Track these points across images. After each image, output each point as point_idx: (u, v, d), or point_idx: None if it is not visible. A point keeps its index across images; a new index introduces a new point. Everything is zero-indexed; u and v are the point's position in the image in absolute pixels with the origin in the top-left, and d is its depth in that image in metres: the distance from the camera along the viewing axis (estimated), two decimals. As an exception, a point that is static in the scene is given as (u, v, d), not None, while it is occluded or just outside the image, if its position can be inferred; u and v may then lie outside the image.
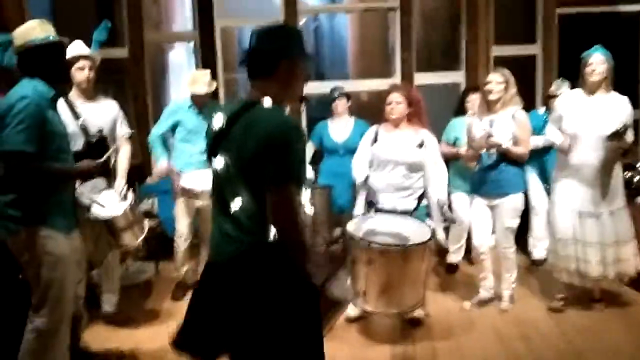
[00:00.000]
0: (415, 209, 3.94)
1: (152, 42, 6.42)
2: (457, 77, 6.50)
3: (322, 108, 5.66)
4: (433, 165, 3.94)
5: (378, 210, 3.93)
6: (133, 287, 5.11)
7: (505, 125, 4.02)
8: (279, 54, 2.16)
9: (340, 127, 5.20)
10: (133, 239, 3.95)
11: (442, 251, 5.56)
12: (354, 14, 6.96)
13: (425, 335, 3.91)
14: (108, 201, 3.87)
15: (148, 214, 5.61)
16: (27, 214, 2.79)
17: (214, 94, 5.14)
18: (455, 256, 5.17)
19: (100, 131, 3.21)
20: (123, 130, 4.13)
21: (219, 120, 2.21)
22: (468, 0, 6.40)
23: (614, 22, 6.61)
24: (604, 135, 3.81)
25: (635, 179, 5.13)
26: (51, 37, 2.89)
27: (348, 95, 5.29)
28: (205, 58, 6.20)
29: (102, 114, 3.99)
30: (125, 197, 3.92)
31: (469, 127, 4.20)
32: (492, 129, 4.02)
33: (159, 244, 5.66)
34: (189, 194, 4.45)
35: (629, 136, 3.88)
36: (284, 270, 2.06)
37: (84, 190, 3.86)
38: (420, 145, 3.90)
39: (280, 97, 2.18)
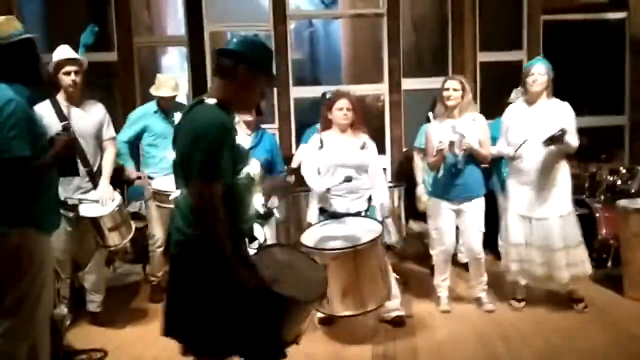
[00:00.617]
0: (367, 210, 4.01)
1: (142, 46, 6.46)
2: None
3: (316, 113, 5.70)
4: (374, 168, 4.06)
5: (331, 215, 3.96)
6: (120, 289, 5.16)
7: (468, 129, 4.11)
8: (239, 60, 2.29)
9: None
10: (120, 239, 4.01)
11: (425, 255, 5.63)
12: (347, 20, 7.04)
13: (406, 334, 3.95)
14: (94, 202, 3.92)
15: (136, 216, 5.65)
16: (15, 216, 2.68)
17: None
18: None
19: (64, 130, 3.13)
20: (108, 133, 4.18)
21: (178, 119, 2.39)
22: (455, 7, 6.51)
23: (599, 28, 6.71)
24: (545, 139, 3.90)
25: (618, 183, 5.23)
26: (20, 34, 2.70)
27: None
28: (195, 62, 6.27)
29: (88, 117, 4.04)
30: (112, 198, 3.96)
31: (428, 133, 4.29)
32: (458, 132, 4.08)
33: (146, 247, 5.69)
34: (161, 198, 4.47)
35: (572, 140, 3.96)
36: (212, 261, 2.20)
37: (70, 191, 3.93)
38: (363, 147, 4.01)
39: (231, 101, 2.33)
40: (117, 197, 3.99)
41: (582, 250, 4.13)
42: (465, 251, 4.37)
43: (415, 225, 5.76)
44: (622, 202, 4.59)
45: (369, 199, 4.03)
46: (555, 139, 3.83)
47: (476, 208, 4.18)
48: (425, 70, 6.85)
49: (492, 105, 5.33)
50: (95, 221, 3.85)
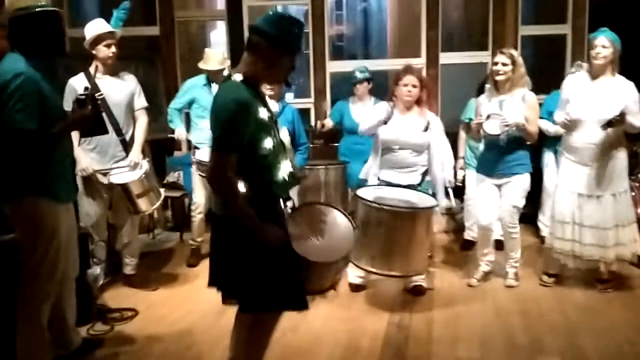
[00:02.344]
0: (419, 184, 4.04)
1: (183, 21, 6.62)
2: (484, 57, 6.46)
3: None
4: (439, 147, 4.06)
5: (385, 183, 4.04)
6: (156, 254, 5.40)
7: (515, 106, 4.05)
8: (265, 37, 2.39)
9: (360, 109, 5.30)
10: (149, 205, 4.19)
11: (458, 229, 5.65)
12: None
13: (424, 305, 4.02)
14: (124, 169, 4.11)
15: (174, 185, 5.90)
16: (29, 184, 2.77)
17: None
18: (471, 232, 5.21)
19: (87, 88, 3.20)
20: (140, 102, 4.34)
21: None
22: (496, -20, 6.35)
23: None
24: (604, 119, 3.79)
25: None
26: (44, 5, 2.76)
27: (369, 78, 5.37)
28: (234, 37, 6.38)
29: (121, 87, 4.21)
30: (140, 166, 4.15)
31: (477, 106, 4.26)
32: (502, 110, 4.04)
33: (184, 215, 5.93)
34: (203, 168, 4.65)
35: (636, 120, 3.82)
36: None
37: (106, 159, 4.14)
38: (426, 129, 4.01)
39: (258, 77, 2.46)
40: (145, 165, 4.16)
41: (633, 230, 4.05)
42: (500, 225, 4.35)
43: (445, 201, 5.75)
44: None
45: (424, 173, 4.07)
46: (615, 123, 3.72)
47: (516, 184, 4.14)
48: (465, 44, 6.77)
49: (534, 81, 5.24)
50: (124, 187, 4.03)
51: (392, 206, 3.57)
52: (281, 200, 2.60)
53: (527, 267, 4.56)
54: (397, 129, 4.02)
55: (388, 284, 4.24)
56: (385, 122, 3.98)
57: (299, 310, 2.55)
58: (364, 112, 5.23)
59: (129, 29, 6.21)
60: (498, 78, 4.07)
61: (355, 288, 4.21)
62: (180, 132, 4.99)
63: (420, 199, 3.77)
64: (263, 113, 2.43)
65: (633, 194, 4.87)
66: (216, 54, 4.97)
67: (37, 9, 2.74)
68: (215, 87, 4.83)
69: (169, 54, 6.42)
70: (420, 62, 6.52)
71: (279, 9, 6.58)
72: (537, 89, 4.38)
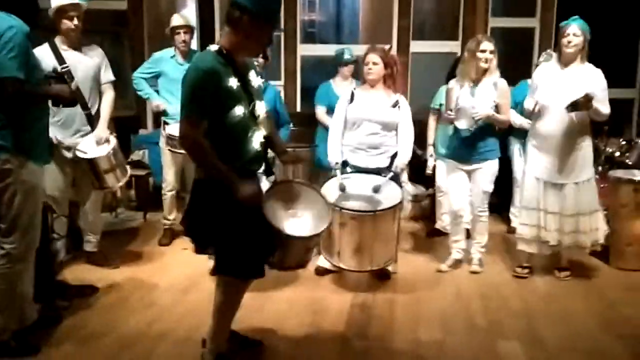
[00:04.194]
0: (388, 167, 4.03)
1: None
2: (453, 46, 6.51)
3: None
4: (403, 128, 4.06)
5: (352, 168, 4.02)
6: (119, 233, 5.32)
7: (486, 93, 4.10)
8: (243, 11, 2.46)
9: (345, 90, 5.26)
10: (115, 182, 4.12)
11: (423, 216, 5.71)
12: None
13: (388, 288, 4.05)
14: (91, 144, 4.02)
15: (139, 164, 5.81)
16: (6, 142, 2.83)
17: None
18: (440, 222, 5.23)
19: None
20: (107, 76, 4.25)
21: None
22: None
23: (615, -1, 6.57)
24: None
25: (617, 154, 5.22)
26: None
27: (355, 60, 5.36)
28: (203, 14, 6.29)
29: (87, 60, 4.11)
30: (107, 141, 4.06)
31: (449, 90, 4.28)
32: (474, 98, 4.09)
33: (149, 194, 5.85)
34: (174, 143, 4.58)
35: (602, 107, 3.89)
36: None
37: (69, 133, 4.04)
38: (395, 106, 4.01)
39: (235, 49, 2.54)
40: (113, 140, 4.08)
41: (595, 219, 4.13)
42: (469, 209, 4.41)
43: (412, 188, 5.81)
44: (615, 173, 4.59)
45: (393, 156, 4.06)
46: (579, 105, 3.75)
47: (486, 170, 4.20)
48: (436, 34, 6.80)
49: (503, 72, 5.30)
50: (91, 162, 3.95)
51: (352, 210, 3.59)
52: (262, 176, 2.69)
53: (491, 255, 4.64)
54: (363, 106, 4.03)
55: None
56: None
57: (256, 277, 2.70)
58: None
59: (95, 2, 6.08)
60: (484, 65, 4.08)
61: (323, 272, 4.20)
62: (158, 102, 4.81)
63: (387, 193, 3.74)
64: (232, 82, 2.50)
65: (602, 185, 5.03)
66: (182, 15, 4.91)
67: None
68: (181, 60, 4.78)
69: (136, 29, 6.30)
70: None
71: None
72: (505, 79, 4.40)
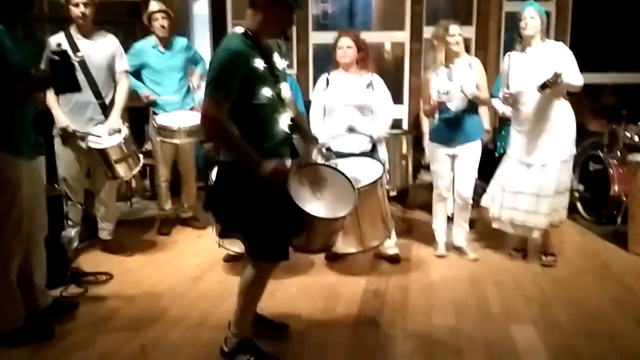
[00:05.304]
0: (372, 150, 4.01)
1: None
2: (468, 32, 6.42)
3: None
4: (380, 106, 4.04)
5: (336, 154, 3.94)
6: (134, 222, 5.36)
7: (464, 73, 4.12)
8: None
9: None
10: (128, 171, 4.13)
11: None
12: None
13: (400, 274, 4.03)
14: (103, 133, 4.04)
15: (152, 154, 5.81)
16: None
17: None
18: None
19: (59, 45, 3.21)
20: (121, 65, 4.25)
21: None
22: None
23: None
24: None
25: (636, 139, 5.13)
26: None
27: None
28: (216, 7, 6.28)
29: (101, 49, 4.13)
30: (119, 131, 4.08)
31: (426, 82, 4.26)
32: (452, 81, 4.11)
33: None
34: (165, 133, 4.59)
35: (574, 79, 3.85)
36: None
37: (83, 122, 4.06)
38: (368, 86, 4.01)
39: (258, 30, 2.57)
40: (124, 130, 4.09)
41: (565, 197, 4.12)
42: (455, 195, 4.37)
43: (427, 176, 5.77)
44: (635, 157, 4.51)
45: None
46: (550, 84, 3.73)
47: (471, 153, 4.19)
48: (449, 19, 6.69)
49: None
50: (102, 153, 3.97)
51: None
52: (287, 159, 2.68)
53: (498, 240, 4.60)
54: (338, 91, 4.02)
55: (364, 254, 4.22)
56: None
57: (282, 260, 2.69)
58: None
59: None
60: (456, 48, 4.14)
61: (333, 257, 4.18)
62: (147, 93, 4.72)
63: (367, 172, 3.66)
64: (259, 63, 2.51)
65: (611, 171, 4.98)
66: (158, 2, 4.79)
67: None
68: (162, 49, 4.74)
69: (149, 20, 6.27)
70: (403, 35, 6.51)
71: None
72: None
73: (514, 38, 4.13)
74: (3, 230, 2.87)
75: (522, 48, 4.04)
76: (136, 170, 4.22)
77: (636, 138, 5.17)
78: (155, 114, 4.76)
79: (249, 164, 2.49)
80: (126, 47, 4.67)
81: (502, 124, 5.12)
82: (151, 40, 4.80)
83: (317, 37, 6.54)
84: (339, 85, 4.04)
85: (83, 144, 4.04)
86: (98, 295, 3.62)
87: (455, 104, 4.11)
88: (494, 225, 4.29)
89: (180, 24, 6.32)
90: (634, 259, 4.34)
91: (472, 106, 4.16)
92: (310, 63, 6.56)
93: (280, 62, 2.71)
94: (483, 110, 4.83)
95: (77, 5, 3.93)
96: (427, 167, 5.44)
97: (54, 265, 3.40)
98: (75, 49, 3.98)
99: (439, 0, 6.81)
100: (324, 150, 3.92)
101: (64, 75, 2.90)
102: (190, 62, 4.96)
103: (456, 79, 4.10)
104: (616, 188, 4.93)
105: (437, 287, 3.82)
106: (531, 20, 3.94)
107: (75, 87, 3.02)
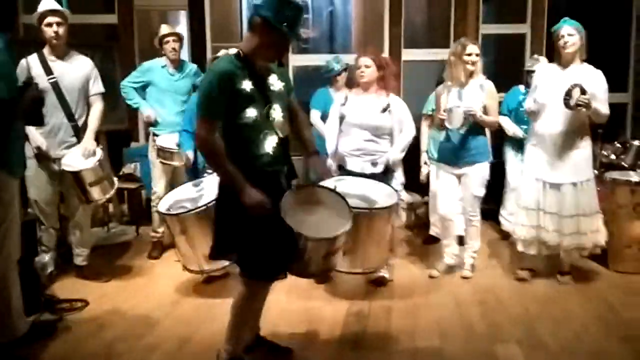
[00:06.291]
0: (384, 173, 3.99)
1: (143, 9, 6.45)
2: (445, 54, 6.46)
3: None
4: (398, 130, 4.02)
5: (347, 173, 3.96)
6: (110, 247, 5.24)
7: (474, 95, 4.09)
8: (263, 17, 2.53)
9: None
10: (101, 194, 4.04)
11: (420, 224, 5.64)
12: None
13: (384, 295, 3.98)
14: (77, 156, 3.96)
15: (131, 177, 5.75)
16: None
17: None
18: (435, 228, 5.15)
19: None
20: (95, 88, 4.19)
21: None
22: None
23: (605, 4, 6.57)
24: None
25: (612, 157, 5.18)
26: None
27: (346, 67, 5.35)
28: (195, 28, 6.27)
29: (75, 70, 4.07)
30: (94, 153, 4.00)
31: (437, 94, 4.26)
32: (461, 101, 4.08)
33: (141, 208, 5.78)
34: (165, 155, 4.54)
35: (601, 107, 3.87)
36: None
37: (55, 145, 3.98)
38: (385, 110, 3.96)
39: (253, 53, 2.61)
40: (99, 152, 4.01)
41: (595, 220, 4.07)
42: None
43: (407, 196, 5.75)
44: (611, 174, 4.56)
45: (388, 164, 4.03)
46: (575, 100, 3.71)
47: (477, 173, 4.17)
48: (427, 43, 6.79)
49: (494, 79, 5.28)
50: (75, 175, 3.88)
51: (353, 207, 3.48)
52: (282, 177, 2.74)
53: (489, 260, 4.61)
54: (354, 112, 4.00)
55: (348, 275, 4.17)
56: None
57: (275, 280, 2.76)
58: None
59: (86, 17, 6.13)
60: (472, 68, 4.09)
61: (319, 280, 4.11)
62: (149, 112, 4.72)
63: (381, 195, 3.67)
64: (246, 84, 2.56)
65: (598, 189, 5.00)
66: (170, 26, 4.90)
67: None
68: (172, 70, 4.76)
69: (127, 44, 6.24)
70: (383, 58, 6.54)
71: (244, 2, 6.47)
72: (497, 85, 4.42)
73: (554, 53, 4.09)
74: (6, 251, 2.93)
75: (561, 65, 3.99)
76: (111, 193, 4.13)
77: (612, 156, 5.21)
78: (155, 134, 4.73)
79: (234, 187, 2.54)
80: (104, 71, 4.64)
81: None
82: (161, 60, 4.83)
83: (297, 60, 6.55)
84: (355, 106, 4.01)
85: (56, 166, 3.95)
86: (73, 323, 3.50)
87: (455, 124, 4.07)
88: (520, 248, 4.20)
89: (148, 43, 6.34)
90: (615, 276, 4.34)
91: (478, 127, 4.13)
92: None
93: (276, 84, 2.72)
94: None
95: (50, 25, 3.88)
96: (414, 187, 5.46)
97: (27, 292, 3.28)
98: (48, 71, 3.93)
99: (417, 23, 6.87)
100: (333, 169, 3.91)
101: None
102: (195, 87, 4.94)
103: (465, 99, 4.07)
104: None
105: (421, 308, 3.77)
106: (570, 37, 3.88)
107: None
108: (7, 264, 2.95)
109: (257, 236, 2.57)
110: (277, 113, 2.67)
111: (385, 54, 6.49)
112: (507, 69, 6.43)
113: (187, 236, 3.74)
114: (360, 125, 3.95)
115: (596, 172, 5.14)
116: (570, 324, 3.51)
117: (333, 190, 2.90)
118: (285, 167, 2.79)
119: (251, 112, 2.57)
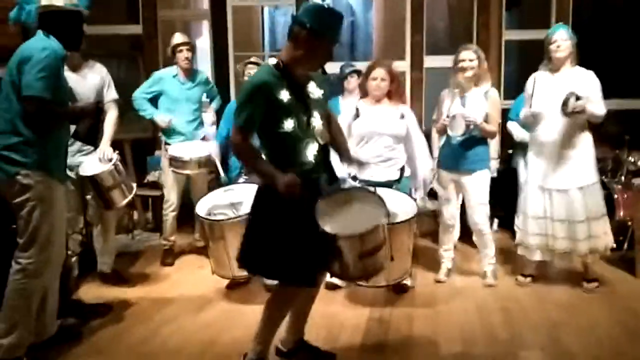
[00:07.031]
0: (398, 180, 4.01)
1: (167, 20, 6.56)
2: (467, 61, 6.45)
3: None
4: (414, 138, 4.04)
5: (363, 182, 3.95)
6: (134, 254, 5.29)
7: (477, 102, 4.08)
8: (302, 26, 2.54)
9: (351, 103, 5.25)
10: (121, 198, 4.08)
11: (436, 232, 5.60)
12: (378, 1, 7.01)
13: (405, 302, 3.97)
14: (94, 162, 4.02)
15: (155, 185, 5.81)
16: (28, 158, 2.91)
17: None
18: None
19: (99, 102, 3.50)
20: (110, 95, 4.24)
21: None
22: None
23: (631, 8, 6.48)
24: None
25: (639, 164, 5.11)
26: (75, 5, 3.10)
27: (358, 71, 5.34)
28: (217, 37, 6.36)
29: (89, 80, 4.12)
30: (110, 160, 4.05)
31: (441, 100, 4.27)
32: (465, 108, 4.06)
33: (165, 215, 5.83)
34: (177, 164, 4.59)
35: (596, 108, 3.85)
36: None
37: (72, 153, 4.02)
38: (401, 117, 4.01)
39: (295, 63, 2.62)
40: (115, 157, 4.05)
41: (604, 223, 4.04)
42: (470, 224, 4.33)
43: (429, 204, 5.72)
44: (638, 181, 4.48)
45: (402, 169, 4.05)
46: (571, 108, 3.71)
47: (477, 181, 4.14)
48: (450, 49, 6.76)
49: (517, 85, 5.24)
50: (93, 180, 3.93)
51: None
52: (323, 181, 2.73)
53: (506, 266, 4.57)
54: (371, 120, 4.00)
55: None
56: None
57: (307, 286, 2.75)
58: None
59: (111, 27, 6.26)
60: (467, 74, 4.07)
61: (333, 287, 4.10)
62: (163, 118, 4.78)
63: (402, 206, 3.67)
64: (284, 95, 2.57)
65: (616, 196, 4.93)
66: (182, 34, 4.92)
67: (69, 9, 3.07)
68: (183, 79, 4.81)
69: (151, 53, 6.35)
70: (404, 65, 6.54)
71: (266, 10, 6.55)
72: (520, 92, 4.43)
73: (544, 59, 4.09)
74: (49, 251, 3.00)
75: (551, 70, 4.01)
76: (131, 196, 4.14)
77: (639, 163, 5.15)
78: (167, 144, 4.78)
79: (270, 182, 2.57)
80: (129, 80, 4.71)
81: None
82: (173, 69, 4.88)
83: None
84: (372, 115, 4.02)
85: (72, 174, 3.98)
86: (97, 327, 3.56)
87: (457, 131, 4.05)
88: (519, 251, 4.23)
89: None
90: (642, 284, 4.27)
91: (479, 135, 4.11)
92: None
93: (316, 92, 2.75)
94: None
95: None
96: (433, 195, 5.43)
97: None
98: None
99: (439, 30, 6.86)
100: (350, 177, 3.87)
101: (93, 127, 3.14)
102: (207, 96, 4.99)
103: (468, 106, 4.06)
104: (621, 213, 4.86)
105: (443, 315, 3.75)
106: (563, 42, 3.92)
107: (93, 142, 3.41)
108: (46, 267, 3.01)
109: (293, 241, 2.57)
110: (316, 121, 2.68)
111: (407, 61, 6.52)
112: (530, 75, 6.36)
113: (225, 242, 3.78)
114: (382, 133, 3.96)
115: (623, 178, 5.10)
116: (594, 331, 3.46)
117: (369, 190, 2.88)
118: (326, 173, 2.79)
119: (288, 123, 2.59)
